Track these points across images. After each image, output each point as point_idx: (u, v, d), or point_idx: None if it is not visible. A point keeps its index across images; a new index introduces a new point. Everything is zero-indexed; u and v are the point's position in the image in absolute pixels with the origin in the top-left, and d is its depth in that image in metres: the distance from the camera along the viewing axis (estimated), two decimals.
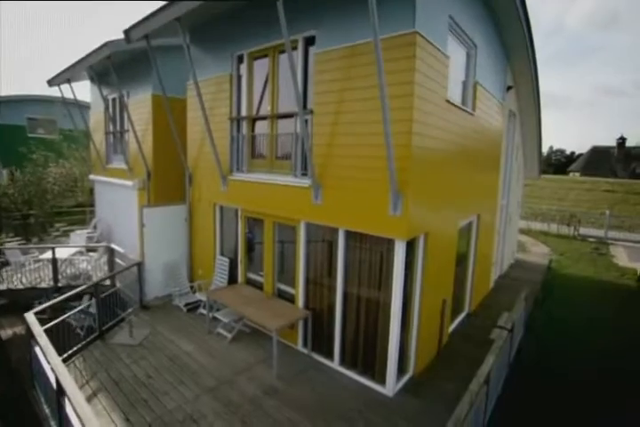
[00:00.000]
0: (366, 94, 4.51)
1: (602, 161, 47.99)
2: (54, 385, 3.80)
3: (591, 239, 16.81)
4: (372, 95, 4.31)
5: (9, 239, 12.81)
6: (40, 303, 5.74)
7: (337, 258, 5.34)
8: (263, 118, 6.28)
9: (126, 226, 9.79)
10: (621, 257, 14.03)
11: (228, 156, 6.76)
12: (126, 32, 6.45)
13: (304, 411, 4.53)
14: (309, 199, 5.34)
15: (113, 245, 8.98)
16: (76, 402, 3.26)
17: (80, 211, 15.82)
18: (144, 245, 7.56)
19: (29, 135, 18.78)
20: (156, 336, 6.28)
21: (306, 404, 4.66)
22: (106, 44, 7.64)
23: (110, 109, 10.26)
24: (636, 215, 20.48)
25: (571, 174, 46.75)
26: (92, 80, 11.10)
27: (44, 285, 8.34)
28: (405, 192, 4.37)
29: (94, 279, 7.98)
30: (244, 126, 6.60)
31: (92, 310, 6.64)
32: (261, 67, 6.19)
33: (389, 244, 4.73)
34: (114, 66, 7.91)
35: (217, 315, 6.33)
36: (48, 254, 8.64)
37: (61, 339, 5.37)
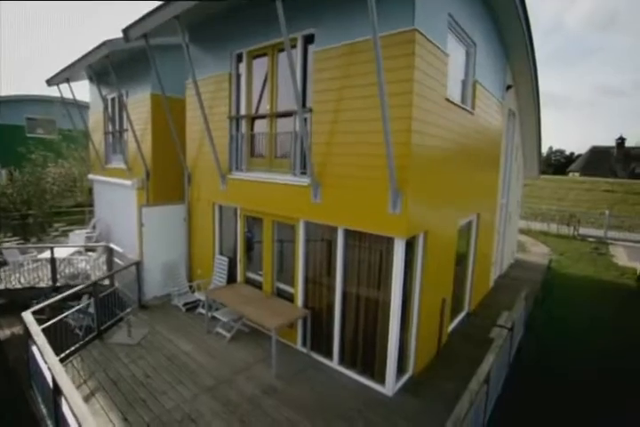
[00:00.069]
0: (365, 92, 4.50)
1: (601, 161, 48.00)
2: (51, 384, 3.77)
3: (591, 239, 16.81)
4: (372, 93, 4.29)
5: (7, 239, 12.78)
6: (38, 303, 5.69)
7: (336, 257, 5.32)
8: (262, 117, 6.26)
9: (125, 225, 9.76)
10: (621, 257, 14.02)
11: (227, 155, 6.74)
12: (125, 31, 6.43)
13: (303, 410, 4.50)
14: (308, 198, 5.32)
15: (112, 245, 8.95)
16: (73, 401, 3.24)
17: (79, 211, 15.79)
18: (143, 244, 7.54)
19: (28, 135, 18.77)
20: (154, 336, 6.26)
21: (305, 403, 4.64)
22: (104, 43, 7.61)
23: (109, 109, 10.23)
24: (635, 215, 20.48)
25: (570, 174, 46.80)
26: (90, 80, 11.09)
27: (42, 284, 8.30)
28: (405, 190, 4.36)
29: (93, 279, 7.95)
30: (244, 125, 6.58)
31: (91, 309, 6.61)
32: (260, 65, 6.18)
33: (389, 242, 4.71)
34: (113, 65, 7.89)
35: (216, 314, 6.31)
36: (46, 254, 8.61)
37: (60, 339, 5.34)
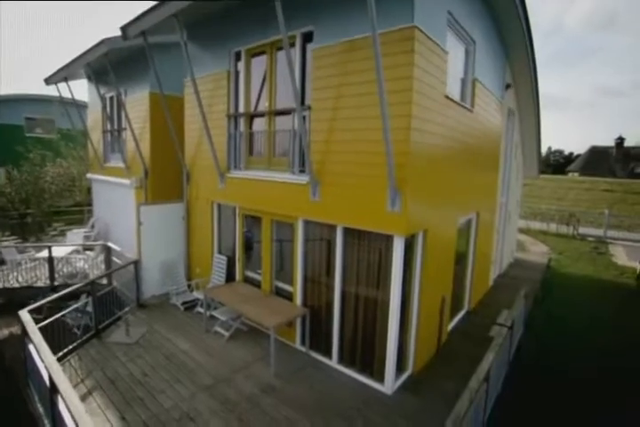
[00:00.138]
0: (364, 89, 4.47)
1: (601, 161, 48.05)
2: (47, 383, 3.75)
3: (590, 238, 16.80)
4: (371, 90, 4.26)
5: (5, 238, 12.74)
6: (35, 302, 5.67)
7: (335, 255, 5.30)
8: (261, 115, 6.24)
9: (124, 224, 9.73)
10: (620, 256, 14.02)
11: (226, 153, 6.71)
12: (123, 29, 6.40)
13: (302, 409, 4.48)
14: (307, 196, 5.30)
15: (110, 244, 8.92)
16: (69, 400, 3.21)
17: (78, 210, 15.76)
18: (141, 243, 7.51)
19: (27, 135, 18.70)
20: (152, 335, 6.23)
21: (304, 402, 4.62)
22: (103, 42, 7.60)
23: (108, 108, 10.20)
24: (634, 215, 20.50)
25: (570, 174, 46.81)
26: (89, 79, 11.05)
27: (40, 284, 8.28)
28: (404, 188, 4.33)
29: (91, 278, 7.92)
30: (242, 123, 6.56)
31: (89, 308, 6.59)
32: (259, 63, 6.16)
33: (388, 241, 4.69)
34: (111, 64, 7.87)
35: (214, 313, 6.28)
36: (44, 253, 8.58)
37: (57, 338, 5.32)
